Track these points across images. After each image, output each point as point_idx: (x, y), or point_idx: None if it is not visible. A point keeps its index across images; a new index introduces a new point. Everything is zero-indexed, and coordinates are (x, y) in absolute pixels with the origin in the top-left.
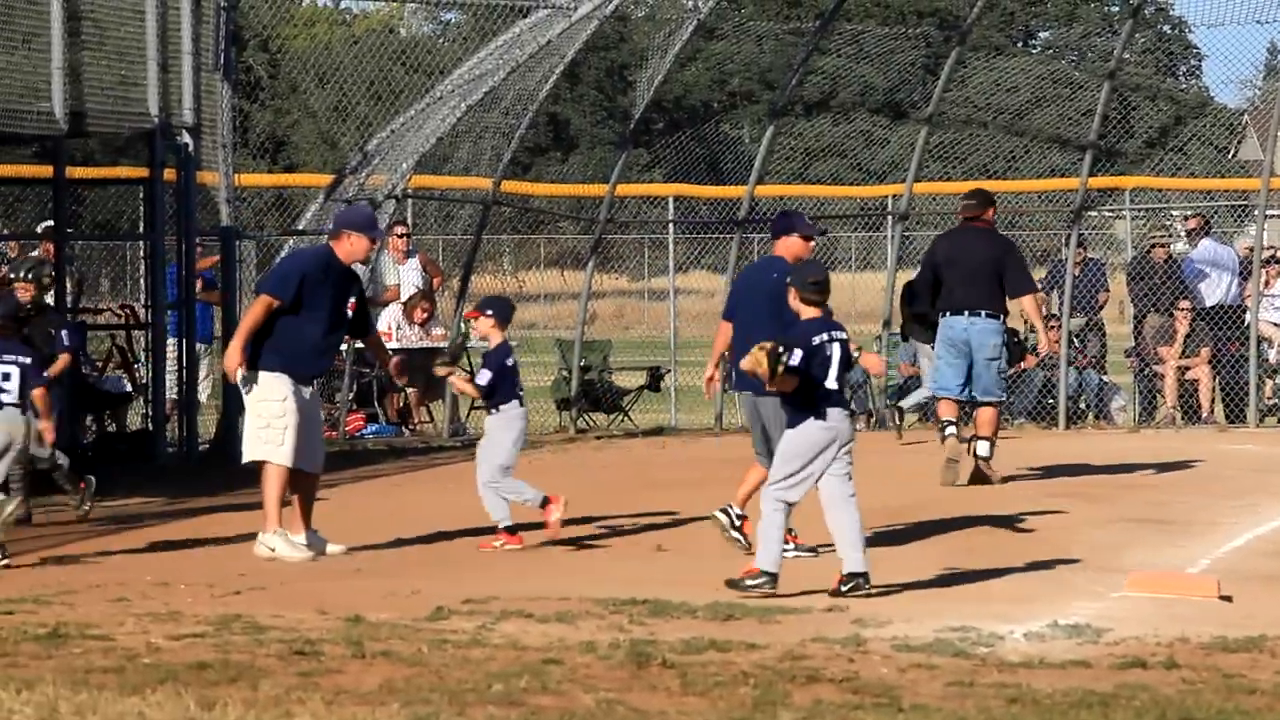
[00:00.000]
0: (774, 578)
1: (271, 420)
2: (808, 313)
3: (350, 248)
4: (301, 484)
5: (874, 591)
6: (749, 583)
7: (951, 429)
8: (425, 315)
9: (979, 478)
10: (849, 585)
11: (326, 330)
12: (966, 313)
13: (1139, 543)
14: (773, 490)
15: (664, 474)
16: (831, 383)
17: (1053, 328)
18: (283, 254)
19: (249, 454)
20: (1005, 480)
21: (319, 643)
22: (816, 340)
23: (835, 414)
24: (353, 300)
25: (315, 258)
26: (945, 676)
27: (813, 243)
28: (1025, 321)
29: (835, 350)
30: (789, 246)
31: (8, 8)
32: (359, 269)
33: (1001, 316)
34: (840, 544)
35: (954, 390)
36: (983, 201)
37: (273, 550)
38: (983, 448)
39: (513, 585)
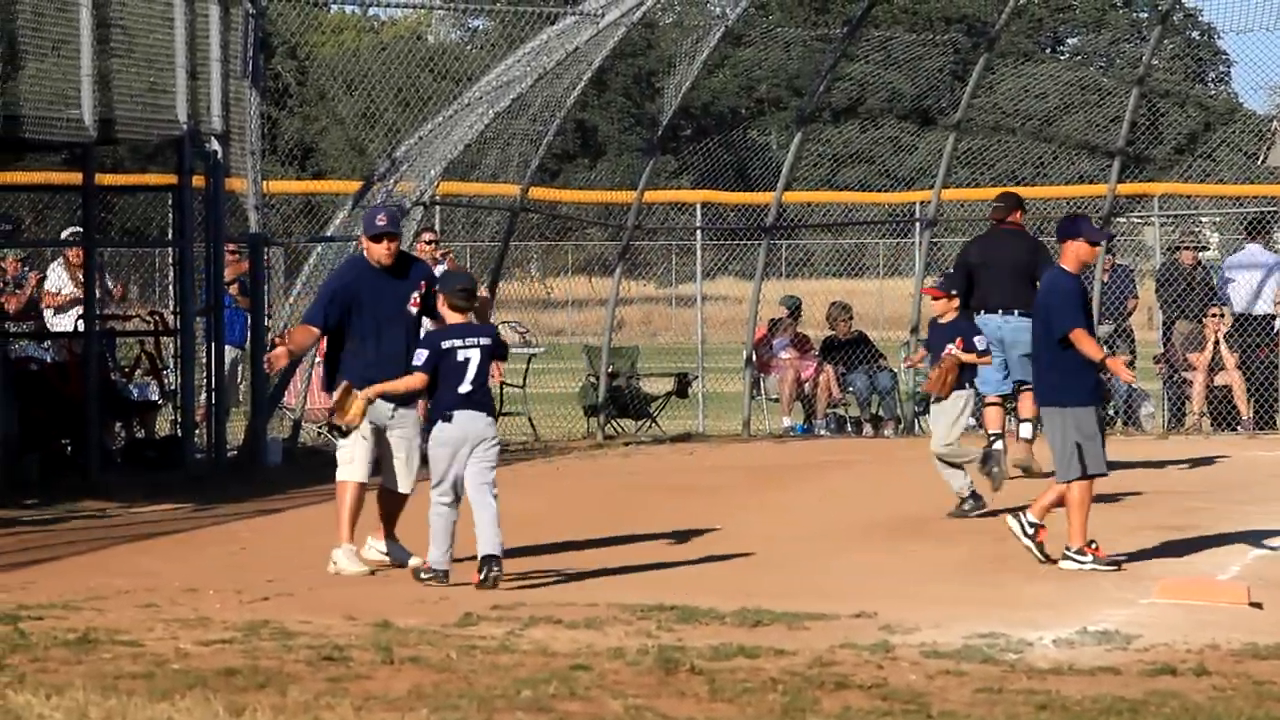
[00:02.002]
0: (445, 574)
1: (343, 438)
2: (452, 317)
3: (369, 252)
4: (387, 501)
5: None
6: (423, 575)
7: (999, 443)
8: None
9: (1022, 464)
10: (485, 570)
11: (379, 339)
12: (1000, 312)
13: (1168, 549)
14: (432, 493)
15: (692, 480)
16: (465, 386)
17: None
18: (310, 260)
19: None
20: (1047, 475)
21: (347, 648)
22: (446, 345)
23: (463, 416)
24: (415, 297)
25: (344, 272)
26: (974, 683)
27: (1099, 247)
28: None
29: (475, 355)
30: (1076, 251)
31: (37, 15)
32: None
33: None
34: (479, 533)
35: (995, 385)
36: (1011, 204)
37: (335, 564)
38: (1025, 429)
39: (541, 591)
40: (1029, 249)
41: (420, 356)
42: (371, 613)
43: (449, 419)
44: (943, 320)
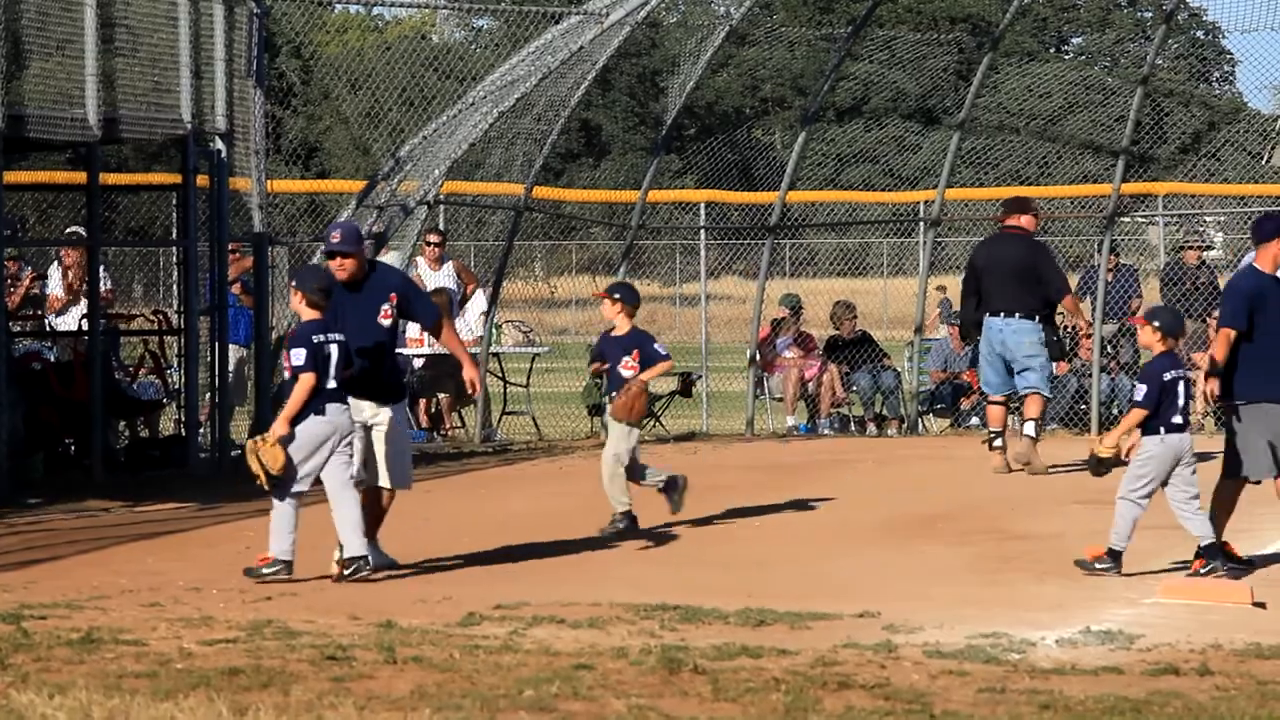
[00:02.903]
0: (289, 565)
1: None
2: (309, 314)
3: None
4: (372, 502)
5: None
6: (265, 570)
7: (999, 440)
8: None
9: (1023, 459)
10: (350, 569)
11: (346, 350)
12: (1002, 315)
13: (1171, 549)
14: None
15: (695, 479)
16: (330, 381)
17: (1087, 334)
18: (314, 260)
19: None
20: (1049, 470)
21: (351, 648)
22: (317, 339)
23: (334, 409)
24: (386, 309)
25: None
26: (977, 683)
27: None
28: (1062, 323)
29: (334, 350)
30: (1275, 252)
31: (42, 15)
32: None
33: (1036, 317)
34: (341, 530)
35: (998, 387)
36: (1013, 207)
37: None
38: (1029, 427)
39: (544, 591)
40: (1029, 252)
41: (299, 355)
42: (375, 612)
43: (322, 412)
44: (615, 332)
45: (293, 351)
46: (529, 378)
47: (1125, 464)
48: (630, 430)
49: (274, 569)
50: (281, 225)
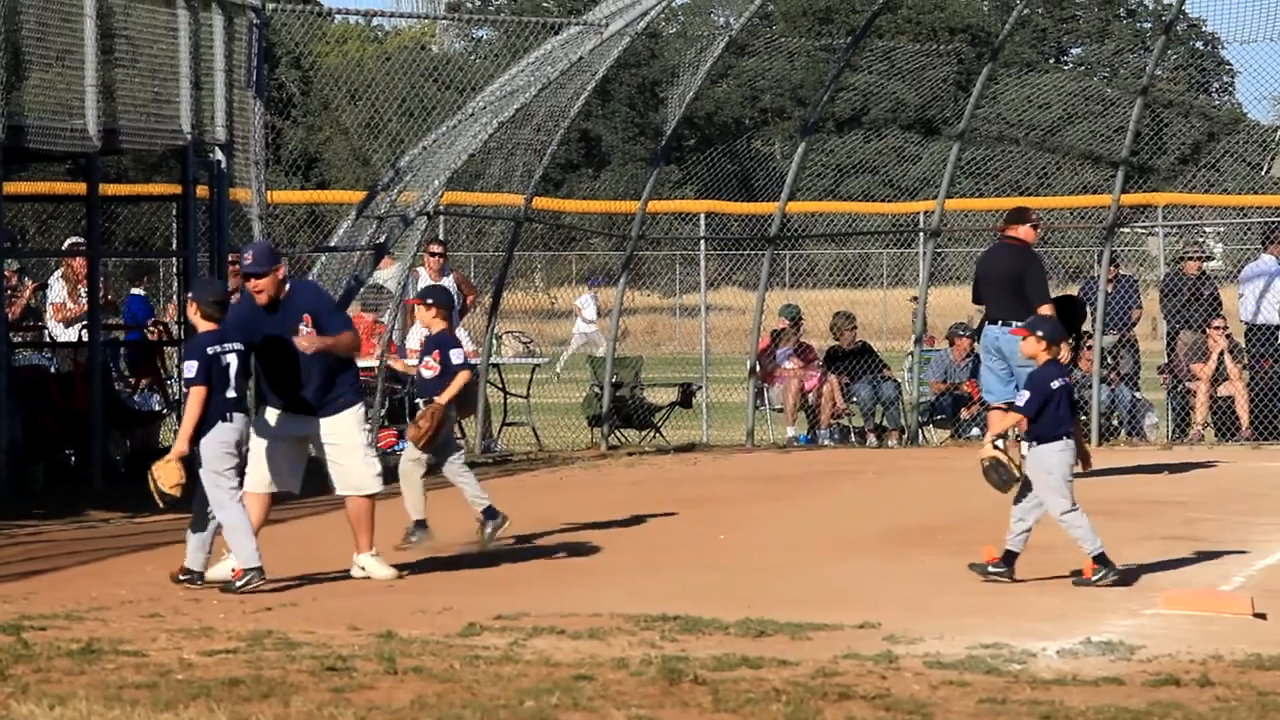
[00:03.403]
0: (259, 570)
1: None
2: (205, 326)
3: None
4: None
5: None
6: (239, 583)
7: (1000, 441)
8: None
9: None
10: (244, 580)
11: (246, 360)
12: (999, 323)
13: (1172, 560)
14: (230, 492)
15: (695, 490)
16: (231, 391)
17: (1087, 345)
18: (314, 270)
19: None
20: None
21: (351, 659)
22: (213, 350)
23: (240, 419)
24: (302, 329)
25: (235, 309)
26: (977, 694)
27: None
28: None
29: (233, 360)
30: None
31: (42, 26)
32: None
33: None
34: (240, 545)
35: (999, 394)
36: (1011, 219)
37: (363, 569)
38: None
39: (544, 601)
40: (1018, 262)
41: (191, 368)
42: (375, 623)
43: (230, 418)
44: (432, 330)
45: (187, 364)
46: (529, 388)
47: (1017, 474)
48: (422, 455)
49: (247, 579)
50: (281, 236)
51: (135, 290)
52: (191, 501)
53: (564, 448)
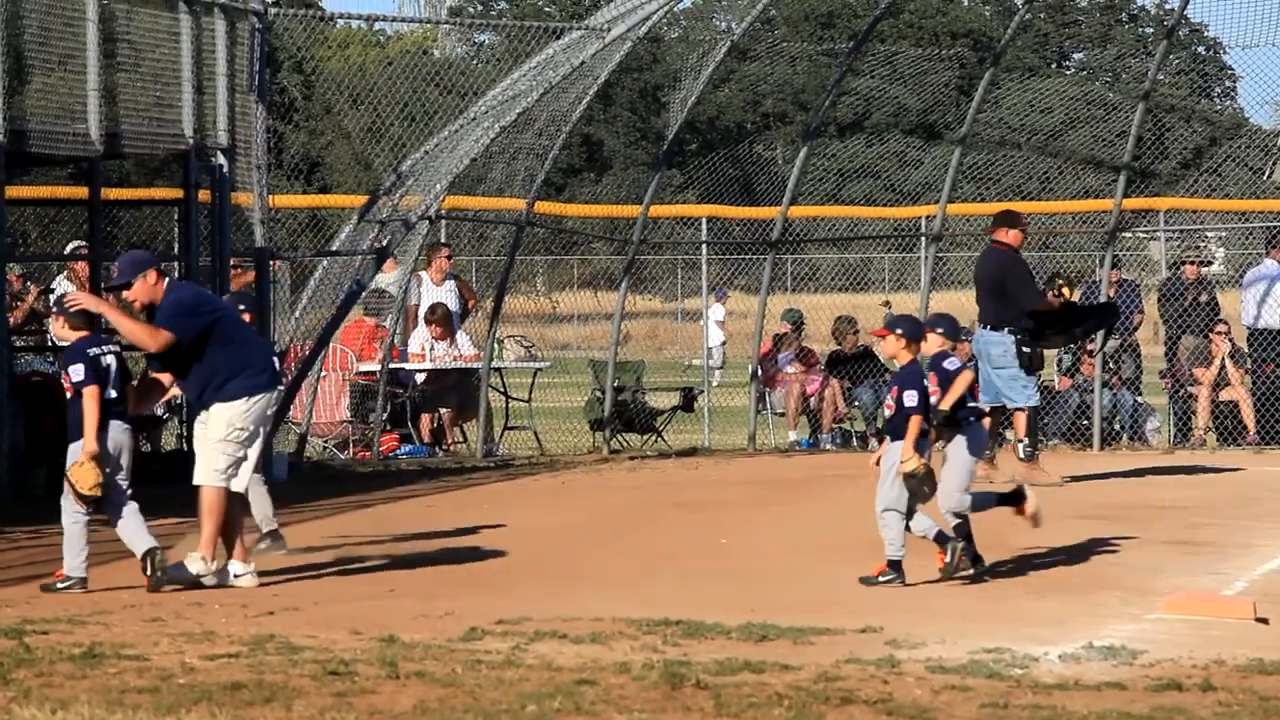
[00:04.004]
0: (83, 581)
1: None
2: (72, 337)
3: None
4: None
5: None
6: (60, 585)
7: (987, 450)
8: (439, 330)
9: (1028, 480)
10: (66, 584)
11: (123, 361)
12: (985, 326)
13: (1174, 565)
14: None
15: (697, 494)
16: (111, 392)
17: (1088, 350)
18: (316, 274)
19: None
20: (1065, 481)
21: (353, 663)
22: (93, 352)
23: (115, 426)
24: None
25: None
26: (979, 698)
27: None
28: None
29: (112, 361)
30: None
31: (44, 30)
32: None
33: (1005, 329)
34: (138, 539)
35: (986, 397)
36: (996, 222)
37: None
38: (1020, 449)
39: (546, 606)
40: (998, 266)
41: (79, 371)
42: (377, 627)
43: (105, 427)
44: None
45: (71, 369)
46: (530, 392)
47: (929, 477)
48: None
49: (69, 584)
50: (283, 240)
51: None
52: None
53: (565, 452)
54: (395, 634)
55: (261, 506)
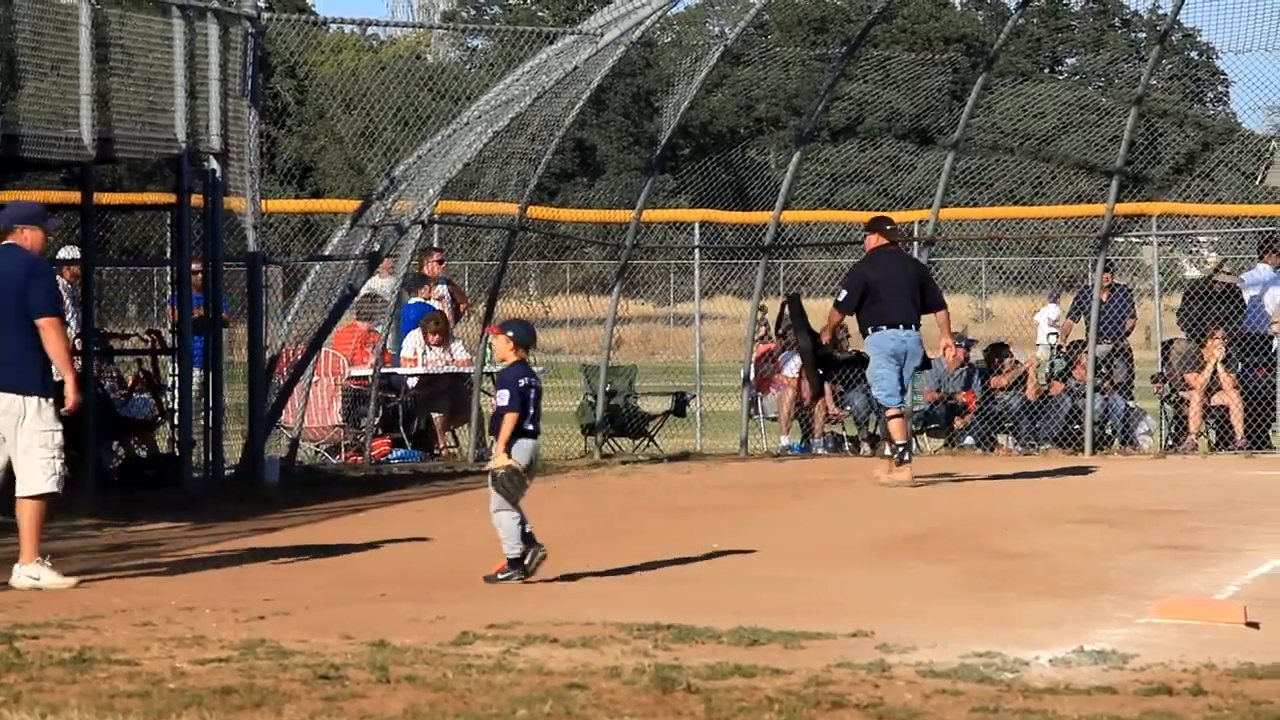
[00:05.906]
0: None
1: None
2: None
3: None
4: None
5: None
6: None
7: (907, 454)
8: (437, 337)
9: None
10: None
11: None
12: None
13: (1165, 569)
14: None
15: (689, 499)
16: None
17: (1082, 353)
18: (308, 279)
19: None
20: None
21: (343, 667)
22: None
23: None
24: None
25: None
26: (970, 702)
27: None
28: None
29: None
30: None
31: (37, 35)
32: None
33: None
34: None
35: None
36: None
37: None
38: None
39: (537, 610)
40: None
41: None
42: (367, 632)
43: None
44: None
45: None
46: None
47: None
48: None
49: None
50: (276, 245)
51: None
52: None
53: (557, 456)
54: (386, 638)
55: None
